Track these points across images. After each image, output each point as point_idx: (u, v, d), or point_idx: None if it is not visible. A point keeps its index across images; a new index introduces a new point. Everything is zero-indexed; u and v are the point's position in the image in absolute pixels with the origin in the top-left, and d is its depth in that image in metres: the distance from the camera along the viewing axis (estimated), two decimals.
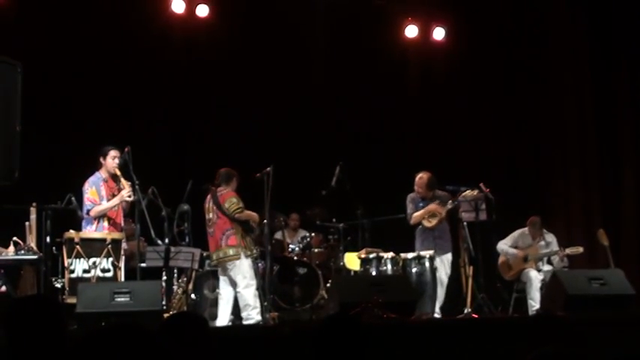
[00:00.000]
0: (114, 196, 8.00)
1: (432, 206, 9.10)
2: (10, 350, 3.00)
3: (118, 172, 7.99)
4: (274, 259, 9.37)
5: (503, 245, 9.81)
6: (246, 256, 8.23)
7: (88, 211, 7.90)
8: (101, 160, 8.08)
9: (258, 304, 8.17)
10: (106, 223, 7.93)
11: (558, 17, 11.38)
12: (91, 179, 8.02)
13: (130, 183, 7.92)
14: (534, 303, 9.27)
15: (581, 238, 10.62)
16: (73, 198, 7.83)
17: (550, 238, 9.86)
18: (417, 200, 9.22)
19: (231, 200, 8.26)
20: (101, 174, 8.07)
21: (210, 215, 8.38)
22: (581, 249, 9.59)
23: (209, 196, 8.43)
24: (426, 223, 9.12)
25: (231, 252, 8.21)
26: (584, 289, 7.65)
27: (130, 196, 7.89)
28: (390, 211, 9.51)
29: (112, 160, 8.03)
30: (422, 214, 9.10)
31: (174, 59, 10.57)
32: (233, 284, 8.26)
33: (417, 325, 7.28)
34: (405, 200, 9.29)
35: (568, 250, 9.61)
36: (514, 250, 9.72)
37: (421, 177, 9.17)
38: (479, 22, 11.21)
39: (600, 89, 11.06)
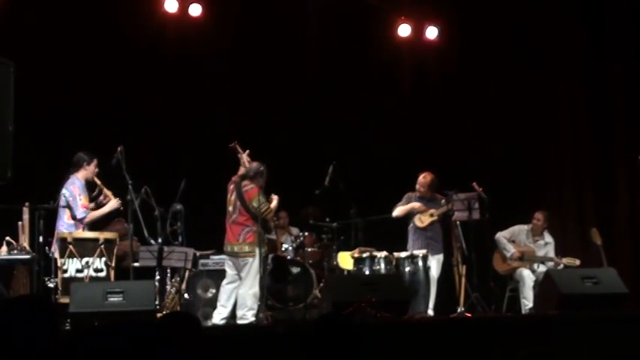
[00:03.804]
0: (90, 202, 8.16)
1: (416, 205, 9.15)
2: (3, 350, 2.99)
3: (98, 182, 8.18)
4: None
5: (502, 238, 9.76)
6: (260, 255, 8.24)
7: (83, 218, 7.95)
8: (85, 165, 8.16)
9: (255, 306, 8.17)
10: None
11: (551, 15, 11.38)
12: (79, 184, 8.09)
13: (112, 192, 8.10)
14: (527, 302, 9.29)
15: (575, 237, 10.63)
16: None
17: (549, 239, 9.85)
18: (413, 199, 9.25)
19: (259, 200, 8.21)
20: (81, 179, 8.10)
21: (231, 208, 8.37)
22: (577, 261, 9.54)
23: (232, 188, 8.41)
24: (418, 223, 9.15)
25: (247, 248, 8.23)
26: (578, 288, 7.66)
27: (120, 207, 8.06)
28: (384, 210, 9.51)
29: (94, 167, 8.20)
30: (405, 210, 9.16)
31: (167, 58, 10.52)
32: (240, 279, 8.28)
33: (411, 324, 7.29)
34: (399, 199, 9.32)
35: (565, 260, 9.59)
36: (512, 248, 9.68)
37: (425, 176, 9.21)
38: (472, 22, 11.20)
39: (593, 88, 11.06)
